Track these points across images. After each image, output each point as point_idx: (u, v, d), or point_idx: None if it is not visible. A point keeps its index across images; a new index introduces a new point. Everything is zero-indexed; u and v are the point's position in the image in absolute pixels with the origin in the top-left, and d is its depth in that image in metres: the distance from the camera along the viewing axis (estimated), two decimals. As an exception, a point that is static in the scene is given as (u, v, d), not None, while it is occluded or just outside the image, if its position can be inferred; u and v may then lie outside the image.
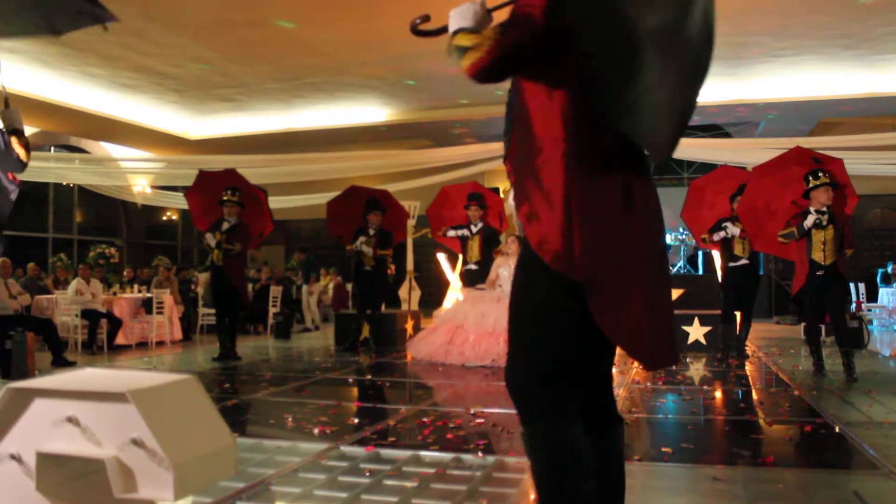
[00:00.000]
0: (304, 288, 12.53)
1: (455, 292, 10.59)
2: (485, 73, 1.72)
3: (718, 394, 5.54)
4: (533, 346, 1.80)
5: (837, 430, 4.10)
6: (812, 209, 6.03)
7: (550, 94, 1.76)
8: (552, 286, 1.76)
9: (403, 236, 9.76)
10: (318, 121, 13.14)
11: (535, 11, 1.67)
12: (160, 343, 9.48)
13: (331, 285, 13.64)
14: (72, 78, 10.72)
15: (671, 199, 13.39)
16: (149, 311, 9.44)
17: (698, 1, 1.64)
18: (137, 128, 12.93)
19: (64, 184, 14.13)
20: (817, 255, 6.01)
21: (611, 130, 1.74)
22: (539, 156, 1.78)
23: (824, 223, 5.98)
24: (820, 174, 6.00)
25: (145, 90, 11.52)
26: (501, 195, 10.39)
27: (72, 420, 1.62)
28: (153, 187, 14.94)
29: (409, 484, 3.04)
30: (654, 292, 1.82)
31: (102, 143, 14.59)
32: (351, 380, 6.44)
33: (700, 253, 15.54)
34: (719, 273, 8.29)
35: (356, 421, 4.43)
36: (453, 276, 11.09)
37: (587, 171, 1.75)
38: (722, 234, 7.47)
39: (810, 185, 6.01)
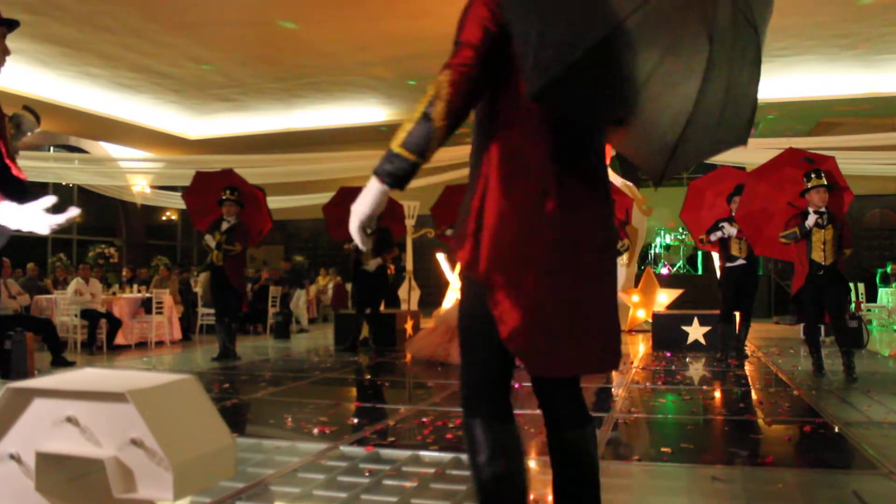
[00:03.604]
0: (297, 293, 12.49)
1: (455, 292, 10.58)
2: (458, 115, 1.66)
3: (718, 394, 5.54)
4: (468, 356, 1.90)
5: (837, 429, 4.10)
6: (810, 209, 6.03)
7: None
8: (476, 296, 1.80)
9: (402, 231, 9.72)
10: (318, 121, 13.15)
11: (472, 34, 1.65)
12: (159, 343, 9.47)
13: (330, 285, 13.63)
14: (71, 78, 10.72)
15: (671, 199, 13.39)
16: (148, 311, 9.43)
17: None
18: (137, 128, 12.94)
19: (63, 184, 14.13)
20: (817, 255, 6.00)
21: (537, 129, 1.73)
22: (473, 156, 1.84)
23: (824, 223, 5.98)
24: (815, 175, 6.00)
25: (145, 90, 11.52)
26: None
27: (71, 420, 1.62)
28: (153, 187, 14.94)
29: (408, 484, 3.04)
30: (569, 298, 1.76)
31: (102, 143, 14.60)
32: (350, 380, 6.45)
33: (700, 253, 15.54)
34: (718, 273, 8.30)
35: (356, 421, 4.43)
36: (453, 276, 11.09)
37: (504, 174, 1.75)
38: (719, 234, 7.48)
39: (809, 184, 6.01)
